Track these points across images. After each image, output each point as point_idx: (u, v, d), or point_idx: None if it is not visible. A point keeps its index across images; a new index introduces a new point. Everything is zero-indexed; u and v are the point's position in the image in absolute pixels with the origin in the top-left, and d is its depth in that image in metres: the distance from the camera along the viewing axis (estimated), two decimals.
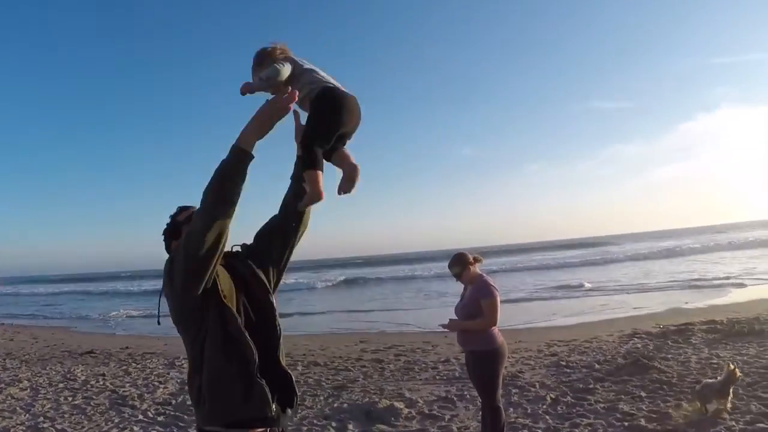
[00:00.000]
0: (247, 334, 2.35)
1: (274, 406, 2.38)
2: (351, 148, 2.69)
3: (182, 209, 2.65)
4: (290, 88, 2.48)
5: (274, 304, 2.61)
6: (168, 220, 2.68)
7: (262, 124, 2.40)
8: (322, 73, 2.64)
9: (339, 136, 2.59)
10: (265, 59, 2.61)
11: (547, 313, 16.64)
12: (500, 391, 5.43)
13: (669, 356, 8.68)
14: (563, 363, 8.99)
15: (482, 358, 5.29)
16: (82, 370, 11.39)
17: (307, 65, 2.64)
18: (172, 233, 2.63)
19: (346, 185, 2.62)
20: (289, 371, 2.54)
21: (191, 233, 2.31)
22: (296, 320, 22.94)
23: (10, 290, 58.35)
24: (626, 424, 5.94)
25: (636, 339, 10.50)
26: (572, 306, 18.54)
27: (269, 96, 2.49)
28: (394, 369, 9.97)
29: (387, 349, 12.08)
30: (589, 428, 5.94)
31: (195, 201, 2.43)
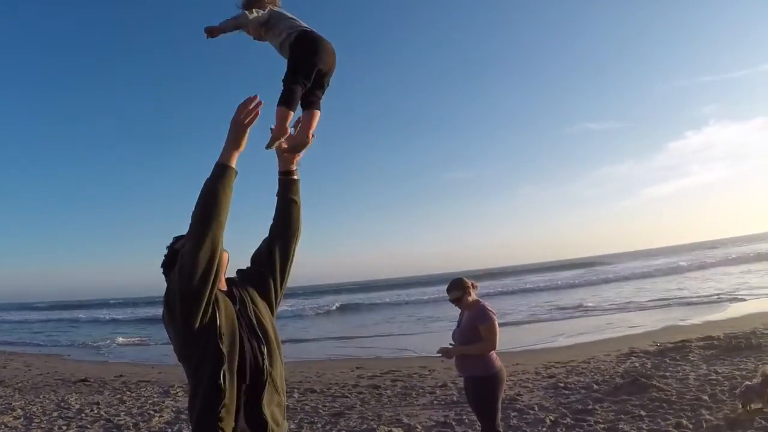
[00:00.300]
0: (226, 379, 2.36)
1: None
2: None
3: (178, 238, 2.59)
4: (262, 31, 2.82)
5: (270, 334, 2.62)
6: (165, 252, 2.66)
7: (236, 136, 2.45)
8: (301, 22, 2.83)
9: (318, 76, 2.74)
10: (252, 2, 2.82)
11: (543, 334, 16.55)
12: (500, 415, 5.37)
13: (667, 374, 8.62)
14: (561, 384, 8.92)
15: (481, 384, 5.25)
16: (76, 399, 11.27)
17: (287, 14, 2.84)
18: (171, 263, 2.54)
19: (288, 146, 2.78)
20: (267, 418, 2.49)
21: (183, 255, 2.32)
22: (291, 347, 22.79)
23: None
24: None
25: (633, 357, 10.45)
26: (568, 327, 18.46)
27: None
28: (391, 395, 9.87)
29: (384, 375, 11.97)
30: None
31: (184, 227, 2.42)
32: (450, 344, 5.42)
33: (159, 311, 2.61)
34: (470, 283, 5.44)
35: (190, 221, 2.35)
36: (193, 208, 2.36)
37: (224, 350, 2.36)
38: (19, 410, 10.39)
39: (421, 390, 9.95)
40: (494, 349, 5.22)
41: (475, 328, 5.25)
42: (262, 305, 2.67)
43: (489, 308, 5.35)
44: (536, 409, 7.69)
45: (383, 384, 10.92)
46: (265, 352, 2.53)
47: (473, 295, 5.43)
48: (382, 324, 28.10)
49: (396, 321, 28.64)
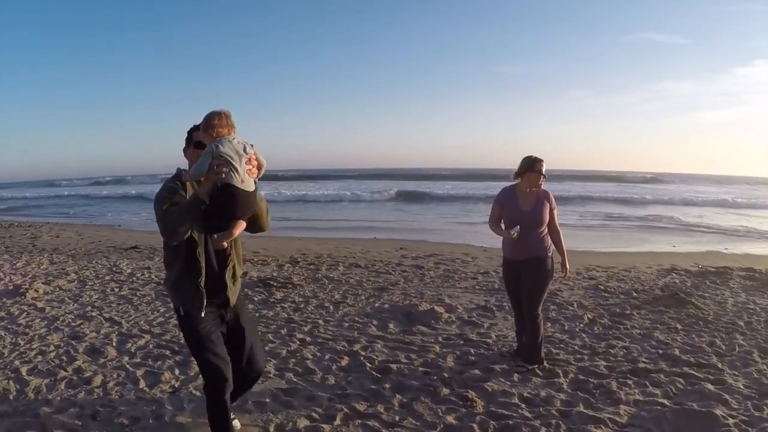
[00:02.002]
0: (202, 258, 3.49)
1: (205, 307, 3.55)
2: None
3: (195, 128, 3.48)
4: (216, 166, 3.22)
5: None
6: (190, 129, 3.58)
7: (207, 183, 3.24)
8: (233, 160, 3.25)
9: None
10: (207, 128, 3.30)
11: (588, 239, 16.52)
12: (545, 304, 5.53)
13: (706, 295, 8.61)
14: (601, 287, 8.99)
15: (543, 263, 5.42)
16: (127, 264, 11.75)
17: (224, 149, 3.21)
18: (188, 142, 3.59)
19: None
20: (228, 284, 3.64)
21: (164, 225, 3.27)
22: (337, 225, 23.25)
23: (45, 193, 58.31)
24: (660, 352, 5.94)
25: (674, 274, 10.43)
26: (613, 236, 18.45)
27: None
28: (434, 276, 10.12)
29: (427, 257, 12.24)
30: (624, 351, 5.98)
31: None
32: (510, 231, 5.45)
33: None
34: None
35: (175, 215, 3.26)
36: (175, 213, 3.25)
37: (196, 237, 3.43)
38: (72, 274, 10.83)
39: (463, 274, 10.18)
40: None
41: (549, 210, 5.44)
42: None
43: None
44: (575, 306, 7.84)
45: (426, 265, 11.18)
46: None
47: None
48: (428, 212, 28.37)
49: (441, 210, 28.85)
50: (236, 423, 4.27)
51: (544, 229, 5.46)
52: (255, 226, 3.63)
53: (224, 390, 3.62)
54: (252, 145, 3.34)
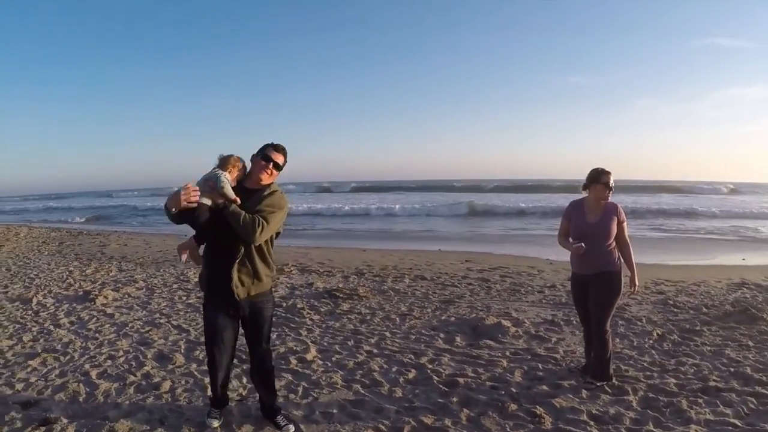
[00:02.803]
0: (206, 256, 4.28)
1: (211, 299, 4.35)
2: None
3: (269, 144, 4.26)
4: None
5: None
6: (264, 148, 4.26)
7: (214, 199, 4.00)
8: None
9: None
10: (224, 166, 4.12)
11: (656, 251, 16.14)
12: (614, 319, 5.48)
13: None
14: (670, 302, 8.81)
15: (611, 278, 5.37)
16: (194, 273, 11.88)
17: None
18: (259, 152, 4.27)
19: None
20: (234, 288, 4.14)
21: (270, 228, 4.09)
22: (403, 236, 23.36)
23: (108, 203, 59.53)
24: (731, 370, 5.79)
25: (745, 289, 10.12)
26: (682, 248, 17.87)
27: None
28: (500, 289, 10.09)
29: (492, 270, 12.20)
30: (695, 368, 5.86)
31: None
32: (574, 241, 5.43)
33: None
34: None
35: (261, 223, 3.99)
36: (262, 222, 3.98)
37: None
38: (141, 282, 11.19)
39: (529, 288, 10.12)
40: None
41: (615, 222, 5.37)
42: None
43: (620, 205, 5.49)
44: (644, 321, 7.71)
45: (492, 278, 11.15)
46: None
47: None
48: (494, 223, 28.22)
49: (507, 222, 28.66)
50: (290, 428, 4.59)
51: (612, 242, 5.40)
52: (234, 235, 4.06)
53: (215, 368, 4.46)
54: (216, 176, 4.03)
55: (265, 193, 4.16)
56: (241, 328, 4.48)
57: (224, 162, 4.12)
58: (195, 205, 3.90)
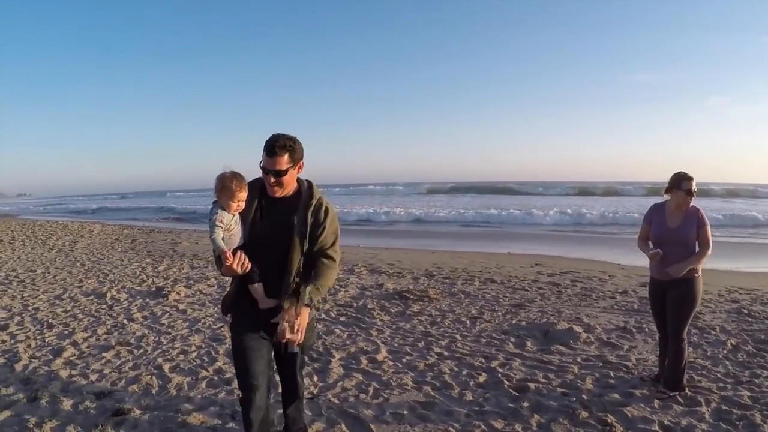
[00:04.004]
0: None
1: (239, 313, 3.61)
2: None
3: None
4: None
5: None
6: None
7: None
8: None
9: None
10: (220, 189, 3.32)
11: (729, 258, 15.65)
12: (688, 328, 5.38)
13: None
14: (745, 311, 8.53)
15: (687, 286, 5.25)
16: None
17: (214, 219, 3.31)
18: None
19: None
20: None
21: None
22: (469, 237, 23.31)
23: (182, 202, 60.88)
24: None
25: None
26: (756, 255, 17.20)
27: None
28: (571, 294, 9.99)
29: (563, 274, 12.08)
30: None
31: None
32: (652, 247, 5.37)
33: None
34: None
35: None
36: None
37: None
38: (212, 279, 11.51)
39: (600, 293, 9.98)
40: (709, 254, 5.26)
41: (695, 230, 5.22)
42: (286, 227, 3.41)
43: (703, 211, 5.32)
44: (718, 330, 7.51)
45: (563, 282, 11.05)
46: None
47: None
48: (564, 225, 27.86)
49: (578, 224, 28.26)
50: None
51: (692, 249, 5.29)
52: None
53: (248, 408, 3.54)
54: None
55: (309, 208, 3.41)
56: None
57: (216, 189, 3.34)
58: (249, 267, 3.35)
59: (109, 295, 9.99)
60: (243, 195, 3.32)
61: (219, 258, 3.33)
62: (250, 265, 3.32)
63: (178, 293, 9.96)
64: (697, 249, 5.29)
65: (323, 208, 3.42)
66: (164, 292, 10.01)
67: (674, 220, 5.34)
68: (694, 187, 5.24)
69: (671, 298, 5.35)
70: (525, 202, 44.64)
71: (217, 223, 3.26)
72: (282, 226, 3.35)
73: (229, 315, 3.67)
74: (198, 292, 10.23)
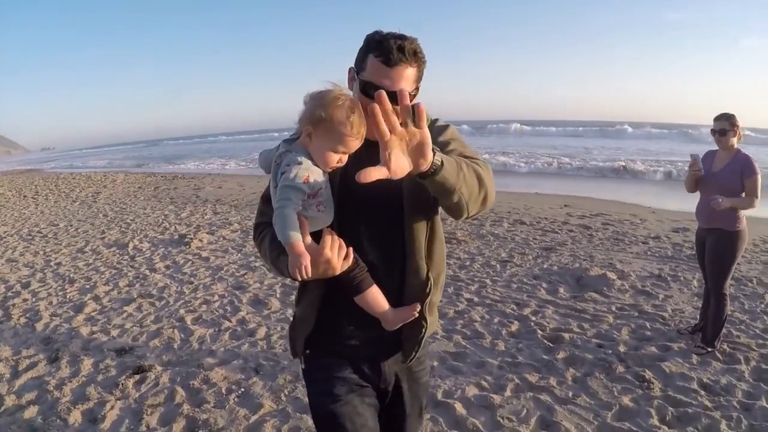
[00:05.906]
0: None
1: (320, 348, 2.09)
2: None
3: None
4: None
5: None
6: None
7: None
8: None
9: None
10: (320, 121, 1.77)
11: (764, 205, 15.09)
12: (730, 278, 5.11)
13: None
14: None
15: (725, 239, 4.95)
16: None
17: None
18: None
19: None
20: (365, 319, 2.01)
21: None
22: (495, 174, 22.89)
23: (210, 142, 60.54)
24: None
25: None
26: None
27: None
28: (602, 238, 9.71)
29: (593, 216, 11.77)
30: None
31: None
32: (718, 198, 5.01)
33: None
34: (739, 124, 4.95)
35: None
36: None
37: None
38: (236, 224, 11.40)
39: (633, 238, 9.67)
40: (756, 206, 4.85)
41: (739, 178, 4.84)
42: None
43: (754, 159, 4.91)
44: (755, 282, 7.18)
45: (593, 225, 10.76)
46: None
47: (736, 141, 4.97)
48: (596, 163, 27.32)
49: (606, 161, 27.70)
50: None
51: (748, 200, 4.86)
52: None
53: None
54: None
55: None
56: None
57: (312, 119, 1.76)
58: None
59: (131, 245, 9.92)
60: (362, 136, 1.79)
61: (279, 250, 1.85)
62: (353, 257, 1.85)
63: (200, 240, 9.87)
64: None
65: (437, 128, 2.02)
66: (186, 240, 9.93)
67: (718, 165, 5.03)
68: (724, 126, 4.90)
69: (708, 248, 5.09)
70: (550, 142, 43.75)
71: (297, 182, 1.71)
72: (389, 183, 1.64)
73: (304, 354, 2.11)
74: (221, 239, 10.14)
